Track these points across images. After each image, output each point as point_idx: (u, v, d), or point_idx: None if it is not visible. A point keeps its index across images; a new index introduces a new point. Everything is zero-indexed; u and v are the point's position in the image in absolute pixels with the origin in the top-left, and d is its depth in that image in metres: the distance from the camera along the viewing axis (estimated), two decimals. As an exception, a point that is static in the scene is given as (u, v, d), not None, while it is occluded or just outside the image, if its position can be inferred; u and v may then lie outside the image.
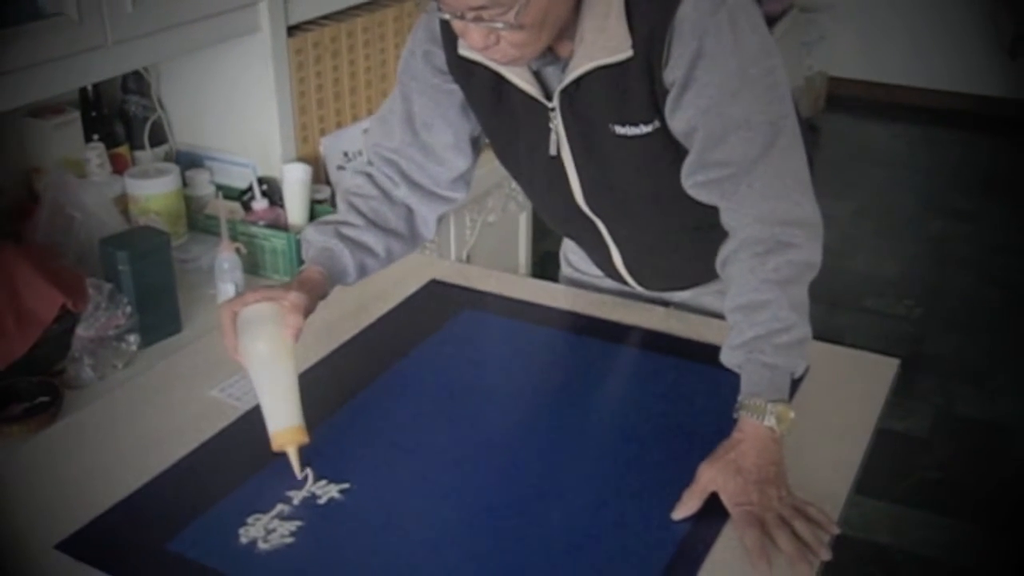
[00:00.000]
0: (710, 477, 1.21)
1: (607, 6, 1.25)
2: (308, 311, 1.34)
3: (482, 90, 1.42)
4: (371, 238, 1.47)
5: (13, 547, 1.19)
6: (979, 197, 4.56)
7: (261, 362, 1.29)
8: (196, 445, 1.34)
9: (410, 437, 1.35)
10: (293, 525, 1.17)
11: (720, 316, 1.36)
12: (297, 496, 1.22)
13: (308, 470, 1.26)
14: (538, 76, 1.37)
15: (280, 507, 1.20)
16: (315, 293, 1.38)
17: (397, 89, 1.51)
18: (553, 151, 1.41)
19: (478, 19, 1.20)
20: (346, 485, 1.24)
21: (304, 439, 1.28)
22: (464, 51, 1.37)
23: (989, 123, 5.27)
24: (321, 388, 1.42)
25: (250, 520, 1.18)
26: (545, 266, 3.21)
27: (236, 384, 1.47)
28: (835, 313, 3.59)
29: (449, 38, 1.39)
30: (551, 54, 1.33)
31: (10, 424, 1.57)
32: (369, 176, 1.52)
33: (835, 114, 5.35)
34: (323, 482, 1.25)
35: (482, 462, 1.30)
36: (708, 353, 1.49)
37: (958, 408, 3.14)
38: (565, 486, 1.26)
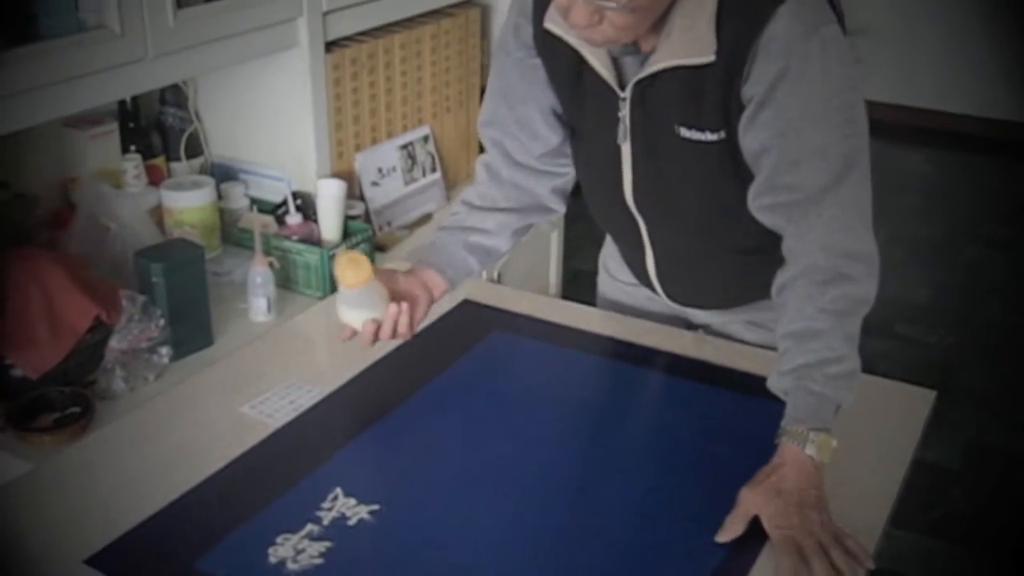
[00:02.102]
0: (751, 500, 1.21)
1: (700, 7, 1.24)
2: (421, 299, 1.43)
3: (562, 68, 1.42)
4: (475, 219, 1.53)
5: (42, 560, 1.18)
6: (1012, 225, 4.51)
7: (352, 287, 1.32)
8: (226, 462, 1.33)
9: (440, 459, 1.34)
10: (323, 546, 1.17)
11: (746, 344, 1.35)
12: (327, 516, 1.21)
13: (338, 490, 1.26)
14: (616, 64, 1.36)
15: (310, 527, 1.20)
16: (427, 284, 1.45)
17: (494, 62, 1.53)
18: (620, 139, 1.41)
19: None
20: (376, 506, 1.23)
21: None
22: (550, 24, 1.36)
23: (1023, 150, 5.22)
24: (351, 407, 1.41)
25: (279, 540, 1.17)
26: (576, 284, 3.21)
27: (267, 401, 1.47)
28: (866, 339, 3.51)
29: (540, 10, 1.39)
30: (633, 45, 1.32)
31: (41, 434, 1.58)
32: (485, 165, 1.56)
33: (869, 138, 5.31)
34: (352, 502, 1.24)
35: (513, 486, 1.29)
36: (740, 381, 1.49)
37: (989, 439, 3.10)
38: (597, 510, 1.25)
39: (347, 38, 2.20)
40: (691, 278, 1.62)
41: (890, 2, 5.33)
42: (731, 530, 1.20)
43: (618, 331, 1.67)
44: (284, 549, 1.16)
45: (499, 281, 2.62)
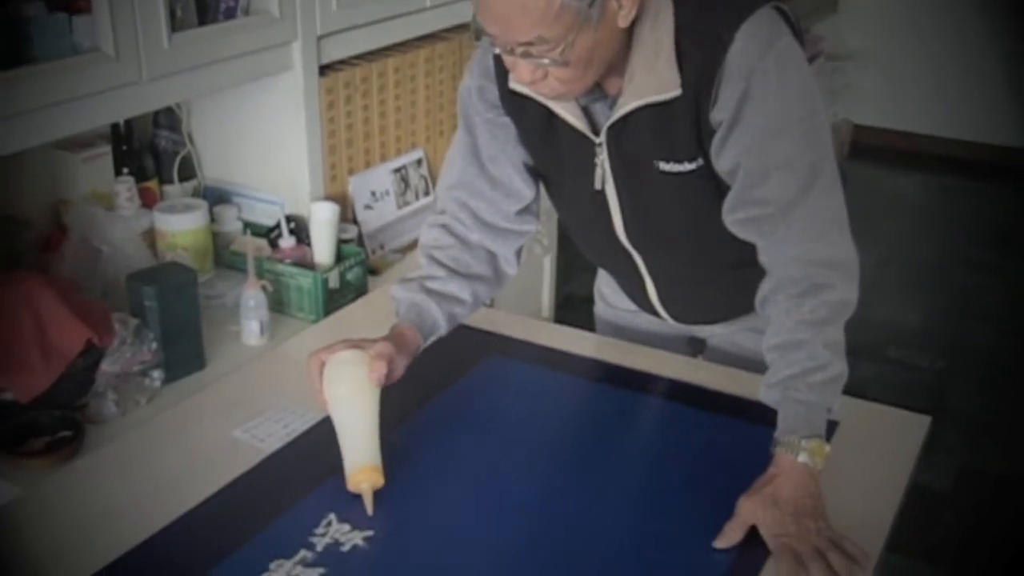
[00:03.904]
0: (749, 509, 1.24)
1: (657, 46, 1.27)
2: (398, 365, 1.36)
3: (533, 124, 1.44)
4: (455, 287, 1.49)
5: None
6: (1003, 249, 4.53)
7: (342, 405, 1.32)
8: (218, 487, 1.32)
9: (435, 486, 1.33)
10: (316, 572, 1.16)
11: (753, 354, 1.38)
12: (320, 542, 1.20)
13: (331, 515, 1.25)
14: (586, 112, 1.39)
15: (303, 553, 1.19)
16: (406, 348, 1.39)
17: (460, 124, 1.53)
18: (598, 185, 1.43)
19: (526, 54, 1.22)
20: (370, 532, 1.22)
21: (380, 480, 1.28)
22: (515, 85, 1.39)
23: (1014, 174, 5.24)
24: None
25: (272, 566, 1.16)
26: (568, 309, 3.21)
27: (260, 425, 1.46)
28: (857, 363, 3.52)
29: (501, 72, 1.41)
30: (600, 90, 1.36)
31: (31, 458, 1.56)
32: (443, 227, 1.53)
33: (859, 162, 5.34)
34: (346, 528, 1.23)
35: (509, 512, 1.28)
36: (738, 407, 1.48)
37: (981, 463, 3.10)
38: (592, 537, 1.24)
39: (341, 61, 2.21)
40: (694, 299, 1.65)
41: (880, 27, 5.37)
42: (729, 537, 1.23)
43: (614, 356, 1.66)
44: (277, 575, 1.15)
45: (491, 306, 2.61)
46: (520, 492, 1.32)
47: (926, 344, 3.74)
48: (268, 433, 1.43)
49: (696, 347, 1.79)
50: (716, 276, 1.56)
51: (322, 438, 1.39)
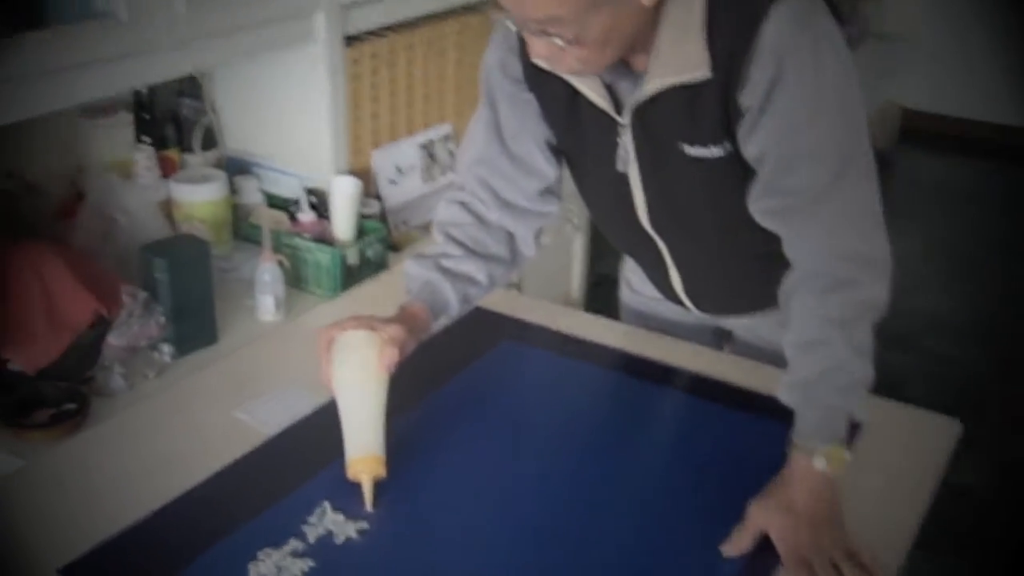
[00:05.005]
0: (760, 516, 1.19)
1: (686, 22, 1.21)
2: (407, 346, 1.32)
3: (555, 100, 1.39)
4: (471, 267, 1.44)
5: (15, 568, 1.14)
6: (1053, 240, 4.41)
7: (348, 388, 1.27)
8: (215, 469, 1.29)
9: (438, 477, 1.29)
10: (305, 564, 1.12)
11: (779, 348, 1.32)
12: (313, 533, 1.16)
13: (326, 503, 1.21)
14: (611, 89, 1.32)
15: (294, 543, 1.15)
16: (416, 328, 1.35)
17: (482, 99, 1.47)
18: (620, 167, 1.37)
19: (541, 32, 1.17)
20: (364, 524, 1.18)
21: (382, 472, 1.24)
22: (538, 59, 1.32)
23: (1066, 163, 5.11)
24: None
25: (261, 555, 1.12)
26: (600, 289, 3.14)
27: (263, 406, 1.42)
28: (895, 353, 3.47)
29: (524, 45, 1.34)
30: (626, 67, 1.29)
31: (34, 430, 1.54)
32: (462, 204, 1.48)
33: (907, 147, 5.21)
34: (340, 518, 1.19)
35: (510, 509, 1.23)
36: (758, 403, 1.42)
37: (1017, 458, 3.01)
38: (595, 538, 1.19)
39: (368, 32, 2.15)
40: (719, 289, 1.59)
41: (930, 8, 5.21)
42: (738, 545, 1.18)
43: (635, 345, 1.61)
44: (265, 566, 1.11)
45: (519, 287, 2.56)
46: (525, 489, 1.27)
47: (967, 335, 3.65)
48: (270, 415, 1.40)
49: (722, 338, 1.74)
50: (742, 266, 1.50)
51: (324, 422, 1.35)
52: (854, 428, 1.36)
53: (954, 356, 3.54)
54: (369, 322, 1.31)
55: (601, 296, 2.74)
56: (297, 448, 1.33)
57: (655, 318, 1.74)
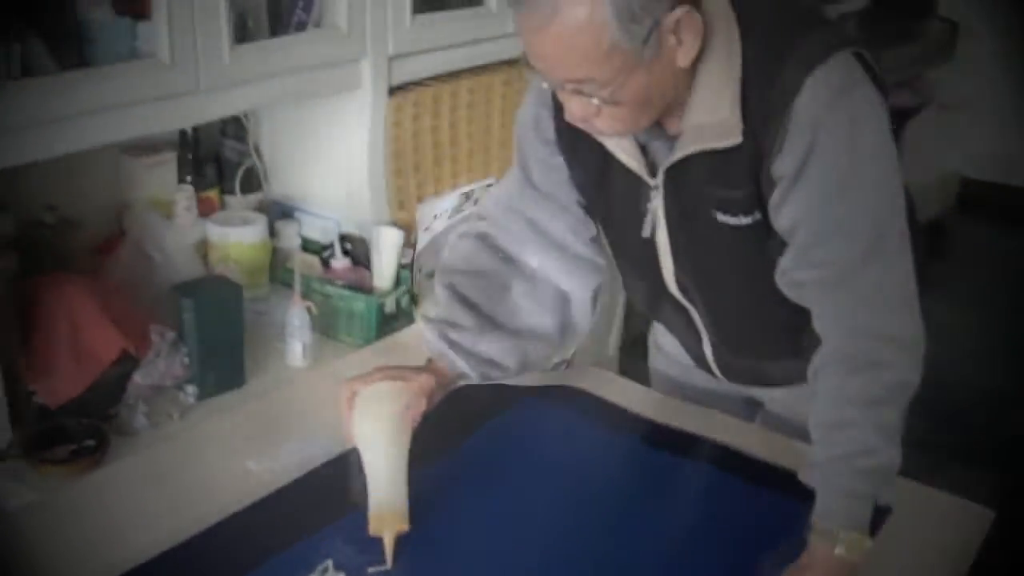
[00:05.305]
0: None
1: (722, 85, 1.18)
2: (435, 397, 1.30)
3: (586, 162, 1.36)
4: (487, 346, 1.35)
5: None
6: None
7: (374, 442, 1.25)
8: (219, 519, 1.27)
9: (445, 540, 1.26)
10: (301, 622, 1.10)
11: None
12: (317, 586, 1.14)
13: (328, 563, 1.18)
14: (644, 150, 1.30)
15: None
16: (444, 382, 1.33)
17: (515, 157, 1.46)
18: (646, 233, 1.34)
19: (577, 91, 1.16)
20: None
21: (404, 527, 1.22)
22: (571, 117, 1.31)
23: None
24: (362, 472, 1.32)
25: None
26: (637, 348, 3.10)
27: (277, 455, 1.41)
28: (940, 429, 3.37)
29: (559, 106, 1.33)
30: (660, 128, 1.27)
31: (52, 465, 1.53)
32: (480, 237, 1.41)
33: (965, 217, 5.12)
34: (342, 576, 1.16)
35: (523, 567, 1.20)
36: (784, 481, 1.37)
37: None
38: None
39: (413, 82, 2.16)
40: (748, 360, 1.54)
41: (997, 77, 5.14)
42: None
43: (661, 414, 1.56)
44: (259, 620, 1.09)
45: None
46: (535, 556, 1.24)
47: (1018, 412, 3.53)
48: (282, 465, 1.38)
49: (754, 410, 1.69)
50: (771, 338, 1.45)
51: (335, 474, 1.35)
52: (882, 512, 1.31)
53: (1002, 434, 3.43)
54: (397, 372, 1.29)
55: (639, 354, 2.71)
56: (305, 501, 1.31)
57: (686, 385, 1.70)
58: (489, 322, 1.36)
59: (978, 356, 3.86)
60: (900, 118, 4.53)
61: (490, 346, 1.35)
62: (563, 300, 1.41)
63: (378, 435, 1.25)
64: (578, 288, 1.41)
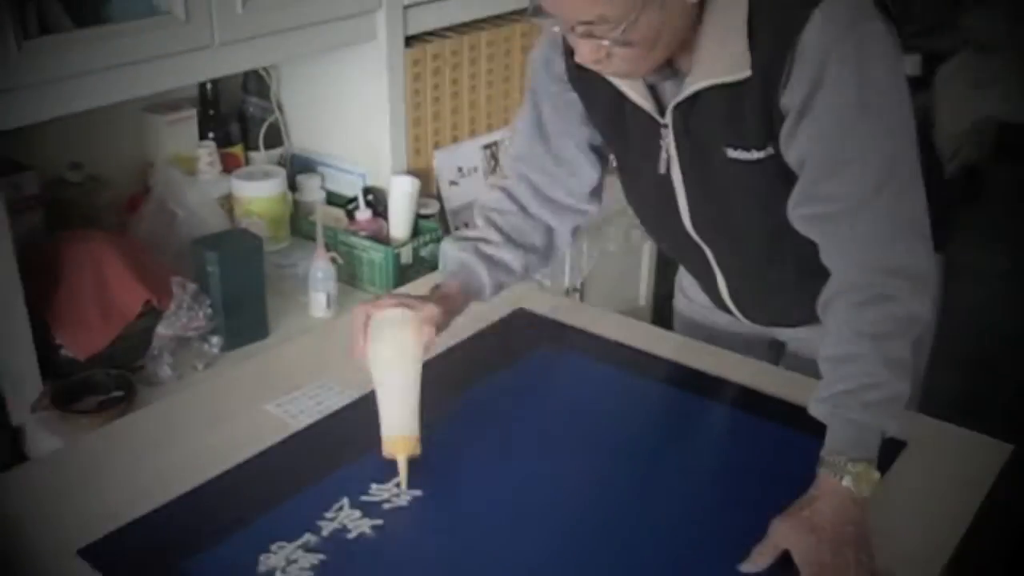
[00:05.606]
0: (782, 534, 1.13)
1: (729, 22, 1.18)
2: (441, 326, 1.34)
3: (600, 101, 1.38)
4: (509, 255, 1.45)
5: (40, 548, 1.17)
6: None
7: (385, 367, 1.28)
8: (239, 461, 1.29)
9: (461, 479, 1.27)
10: (316, 558, 1.11)
11: None
12: (327, 527, 1.16)
13: (344, 500, 1.21)
14: (654, 90, 1.31)
15: (307, 537, 1.14)
16: (452, 309, 1.37)
17: (527, 96, 1.48)
18: (662, 169, 1.35)
19: (587, 34, 1.16)
20: (379, 522, 1.18)
21: (416, 450, 1.26)
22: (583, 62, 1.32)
23: None
24: (376, 415, 1.35)
25: (274, 548, 1.12)
26: (669, 299, 3.09)
27: (295, 400, 1.43)
28: (969, 376, 3.34)
29: (569, 47, 1.33)
30: (670, 68, 1.27)
31: (80, 415, 1.58)
32: (505, 191, 1.49)
33: (1002, 163, 5.03)
34: (357, 515, 1.18)
35: (534, 517, 1.21)
36: (804, 419, 1.37)
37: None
38: (622, 542, 1.16)
39: (431, 33, 2.16)
40: (765, 299, 1.55)
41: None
42: (756, 562, 1.13)
43: (683, 356, 1.56)
44: (276, 558, 1.11)
45: (581, 294, 2.54)
46: (551, 497, 1.24)
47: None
48: (300, 409, 1.40)
49: (777, 351, 1.69)
50: (787, 276, 1.45)
51: (352, 417, 1.36)
52: (895, 446, 1.31)
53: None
54: (406, 300, 1.32)
55: (670, 306, 2.71)
56: (322, 443, 1.33)
57: (708, 328, 1.70)
58: (507, 238, 1.46)
59: (1011, 302, 3.81)
60: (932, 62, 4.46)
61: (507, 254, 1.45)
62: (550, 231, 1.51)
63: (391, 360, 1.27)
64: (562, 226, 1.52)
